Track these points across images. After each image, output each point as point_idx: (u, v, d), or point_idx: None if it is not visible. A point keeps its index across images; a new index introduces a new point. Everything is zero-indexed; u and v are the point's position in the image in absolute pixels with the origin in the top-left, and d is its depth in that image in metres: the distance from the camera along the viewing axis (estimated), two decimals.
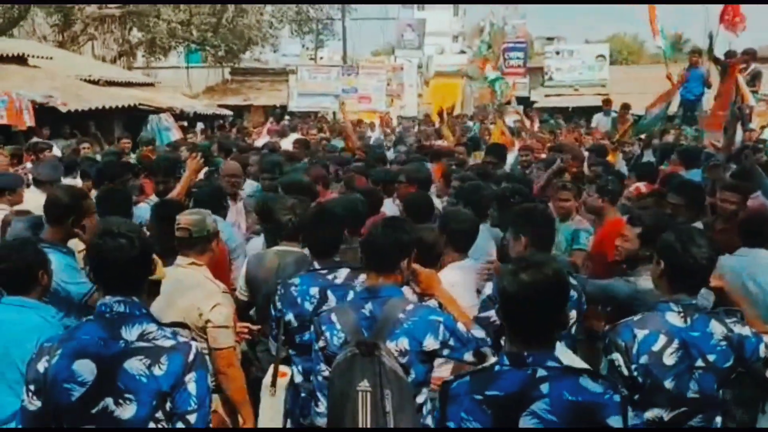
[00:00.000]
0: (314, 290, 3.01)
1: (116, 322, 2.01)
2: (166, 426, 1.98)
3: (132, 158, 8.57)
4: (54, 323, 2.74)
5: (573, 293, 2.75)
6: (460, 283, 3.16)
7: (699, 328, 2.36)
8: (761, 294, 3.53)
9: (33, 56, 14.07)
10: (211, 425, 2.13)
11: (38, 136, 10.40)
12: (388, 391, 2.30)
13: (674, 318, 2.37)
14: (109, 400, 1.96)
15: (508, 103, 14.75)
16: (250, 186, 6.31)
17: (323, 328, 2.53)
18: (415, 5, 36.91)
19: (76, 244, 3.45)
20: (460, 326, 2.54)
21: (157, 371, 1.96)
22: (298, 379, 3.04)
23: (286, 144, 10.00)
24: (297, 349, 3.06)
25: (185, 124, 15.09)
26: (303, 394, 2.99)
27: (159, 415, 1.97)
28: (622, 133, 9.28)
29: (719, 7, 9.73)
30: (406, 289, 2.74)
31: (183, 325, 2.13)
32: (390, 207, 5.25)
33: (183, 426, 1.98)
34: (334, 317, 2.54)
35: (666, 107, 8.75)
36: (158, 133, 13.06)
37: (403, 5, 35.10)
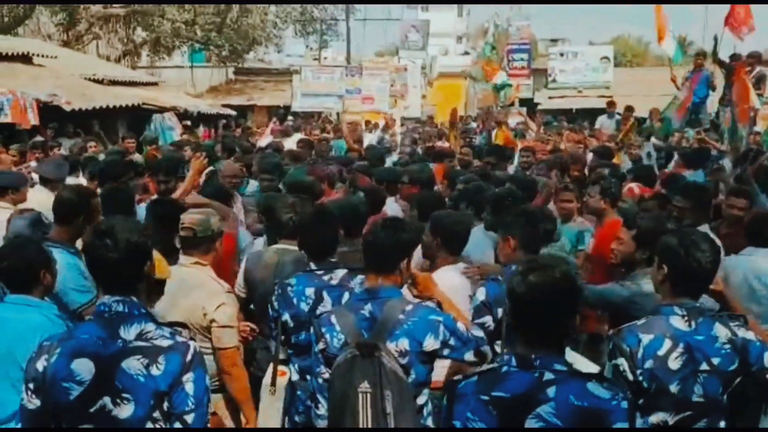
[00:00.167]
0: (310, 291, 3.02)
1: (115, 321, 2.01)
2: (163, 426, 1.97)
3: (135, 157, 8.58)
4: (57, 321, 2.74)
5: None
6: (454, 286, 3.15)
7: (703, 332, 2.35)
8: (765, 291, 3.57)
9: (38, 55, 14.11)
10: (209, 425, 2.12)
11: (42, 134, 10.44)
12: (388, 392, 2.29)
13: (678, 322, 2.35)
14: (107, 400, 1.95)
15: (512, 104, 14.74)
16: (252, 186, 6.31)
17: (323, 330, 2.52)
18: (419, 6, 36.89)
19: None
20: (460, 326, 2.53)
21: (154, 371, 1.95)
22: (295, 377, 3.05)
23: (290, 144, 10.01)
24: (293, 349, 3.07)
25: (189, 123, 15.11)
26: (299, 392, 3.00)
27: (157, 414, 1.96)
28: (625, 133, 9.29)
29: (719, 7, 9.71)
30: (404, 290, 2.74)
31: (182, 325, 2.11)
32: (392, 206, 5.26)
33: (180, 426, 1.97)
34: (333, 319, 2.53)
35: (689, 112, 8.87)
36: (162, 132, 13.10)
37: (407, 6, 35.12)
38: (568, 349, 2.67)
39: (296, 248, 3.49)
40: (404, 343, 2.42)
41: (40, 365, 2.01)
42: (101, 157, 7.86)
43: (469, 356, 2.52)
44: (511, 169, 7.72)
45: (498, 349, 2.74)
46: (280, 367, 3.08)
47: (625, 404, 1.88)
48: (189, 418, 1.97)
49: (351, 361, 2.35)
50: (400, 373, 2.34)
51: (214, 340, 3.09)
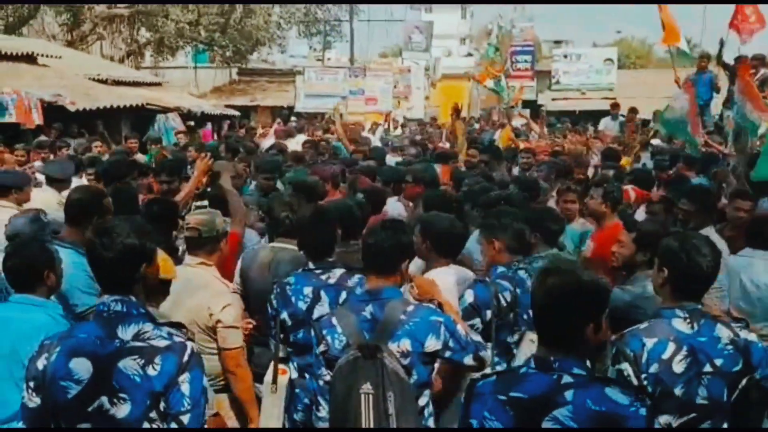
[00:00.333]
0: (308, 290, 3.02)
1: (113, 321, 2.01)
2: (160, 426, 1.97)
3: (138, 157, 8.60)
4: (62, 321, 2.74)
5: None
6: (447, 289, 3.13)
7: (706, 334, 2.34)
8: (757, 293, 3.67)
9: (42, 55, 14.13)
10: (206, 426, 2.12)
11: (46, 134, 10.46)
12: (390, 393, 2.29)
13: (681, 324, 2.35)
14: (104, 399, 1.95)
15: (514, 106, 14.72)
16: (254, 186, 6.33)
17: (324, 332, 2.52)
18: (423, 8, 36.88)
19: None
20: (460, 329, 2.53)
21: (150, 371, 1.95)
22: (294, 375, 3.05)
23: (293, 145, 10.01)
24: (292, 347, 3.07)
25: (192, 123, 15.14)
26: (297, 390, 3.01)
27: (153, 415, 1.96)
28: (629, 135, 9.27)
29: (720, 7, 9.67)
30: (405, 291, 2.73)
31: (180, 325, 2.12)
32: (394, 205, 5.27)
33: (176, 426, 1.96)
34: (334, 321, 2.52)
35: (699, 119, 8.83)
36: (165, 132, 13.12)
37: (411, 7, 35.13)
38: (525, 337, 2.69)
39: (292, 246, 3.48)
40: (406, 344, 2.42)
41: (41, 364, 2.02)
42: (105, 157, 7.88)
43: (468, 360, 2.52)
44: (515, 170, 7.74)
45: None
46: (281, 366, 3.09)
47: (643, 411, 1.86)
48: (185, 419, 1.96)
49: (353, 363, 2.35)
50: (402, 374, 2.34)
51: (220, 340, 3.10)
